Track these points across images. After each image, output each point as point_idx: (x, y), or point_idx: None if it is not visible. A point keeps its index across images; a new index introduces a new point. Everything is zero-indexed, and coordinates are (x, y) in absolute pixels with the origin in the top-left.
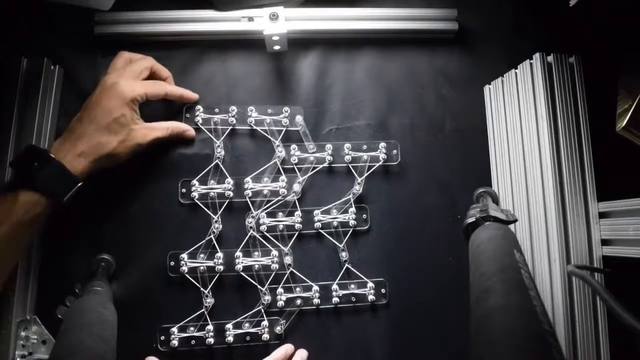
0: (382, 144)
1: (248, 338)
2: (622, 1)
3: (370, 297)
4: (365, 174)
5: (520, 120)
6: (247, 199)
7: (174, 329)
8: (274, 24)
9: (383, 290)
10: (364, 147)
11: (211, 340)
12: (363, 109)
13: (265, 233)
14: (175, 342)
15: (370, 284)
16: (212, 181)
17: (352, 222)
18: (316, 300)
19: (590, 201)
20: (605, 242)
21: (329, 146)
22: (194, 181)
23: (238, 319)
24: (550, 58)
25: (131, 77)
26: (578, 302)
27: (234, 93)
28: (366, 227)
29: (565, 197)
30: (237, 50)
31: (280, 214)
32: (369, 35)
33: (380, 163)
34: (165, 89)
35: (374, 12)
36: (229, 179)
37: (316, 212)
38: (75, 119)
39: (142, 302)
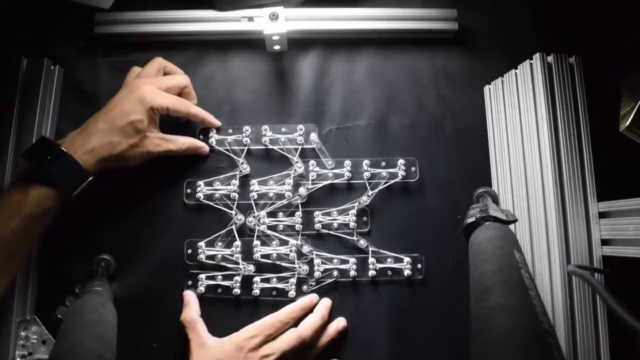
0: (401, 161)
1: (274, 293)
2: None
3: (407, 272)
4: (380, 187)
5: (520, 120)
6: (252, 201)
7: (202, 276)
8: (274, 24)
9: (419, 266)
10: (383, 163)
11: (238, 291)
12: (363, 108)
13: (266, 231)
14: (202, 289)
15: (407, 259)
16: (217, 182)
17: (352, 224)
18: (353, 272)
19: (590, 201)
20: (605, 242)
21: (347, 162)
22: (200, 182)
23: (267, 275)
24: (550, 58)
25: (158, 86)
26: (578, 302)
27: (234, 93)
28: (367, 230)
29: (565, 197)
30: (237, 50)
31: (280, 213)
32: (369, 35)
33: (399, 179)
34: (189, 108)
35: (374, 12)
36: (235, 181)
37: (316, 212)
38: (95, 115)
39: (143, 301)
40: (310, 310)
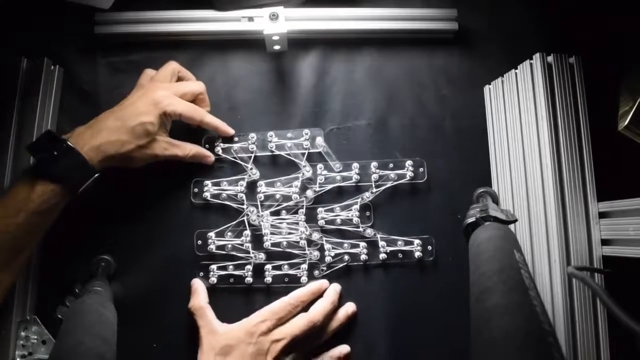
0: (409, 162)
1: (286, 280)
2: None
3: (417, 254)
4: (386, 186)
5: (520, 120)
6: (258, 202)
7: (214, 267)
8: (274, 24)
9: (429, 247)
10: (390, 165)
11: (250, 280)
12: (363, 108)
13: (271, 228)
14: (214, 279)
15: (417, 241)
16: (224, 182)
17: (355, 220)
18: (364, 257)
19: (590, 201)
20: (605, 242)
21: (355, 165)
22: (207, 182)
23: (278, 262)
24: (550, 58)
25: (173, 92)
26: (578, 302)
27: (234, 93)
28: (369, 224)
29: (565, 197)
30: (237, 50)
31: (284, 212)
32: (369, 35)
33: (407, 180)
34: (202, 117)
35: (374, 12)
36: (242, 182)
37: (320, 209)
38: (106, 112)
39: (143, 301)
40: (320, 294)
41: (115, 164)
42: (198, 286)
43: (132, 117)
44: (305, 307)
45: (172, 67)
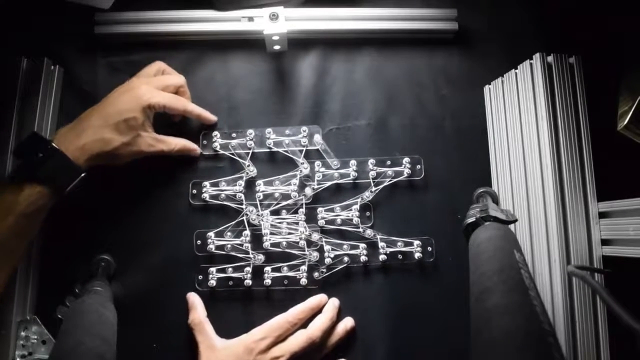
0: (406, 159)
1: (286, 282)
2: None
3: (417, 255)
4: (384, 184)
5: (520, 120)
6: (257, 201)
7: (213, 269)
8: (274, 24)
9: (429, 249)
10: (388, 162)
11: (249, 282)
12: (363, 108)
13: (271, 228)
14: (213, 282)
15: (417, 242)
16: (223, 183)
17: (355, 220)
18: (363, 258)
19: (590, 201)
20: (605, 242)
21: (352, 162)
22: (206, 182)
23: (277, 264)
24: (550, 58)
25: (155, 85)
26: (578, 302)
27: (234, 93)
28: (370, 224)
29: (565, 197)
30: (237, 50)
31: (284, 211)
32: (369, 35)
33: (404, 177)
34: (185, 105)
35: (374, 12)
36: (241, 182)
37: (320, 209)
38: (88, 111)
39: (143, 301)
40: (319, 310)
41: (101, 162)
42: (195, 299)
43: (115, 114)
44: (304, 322)
45: (158, 65)
